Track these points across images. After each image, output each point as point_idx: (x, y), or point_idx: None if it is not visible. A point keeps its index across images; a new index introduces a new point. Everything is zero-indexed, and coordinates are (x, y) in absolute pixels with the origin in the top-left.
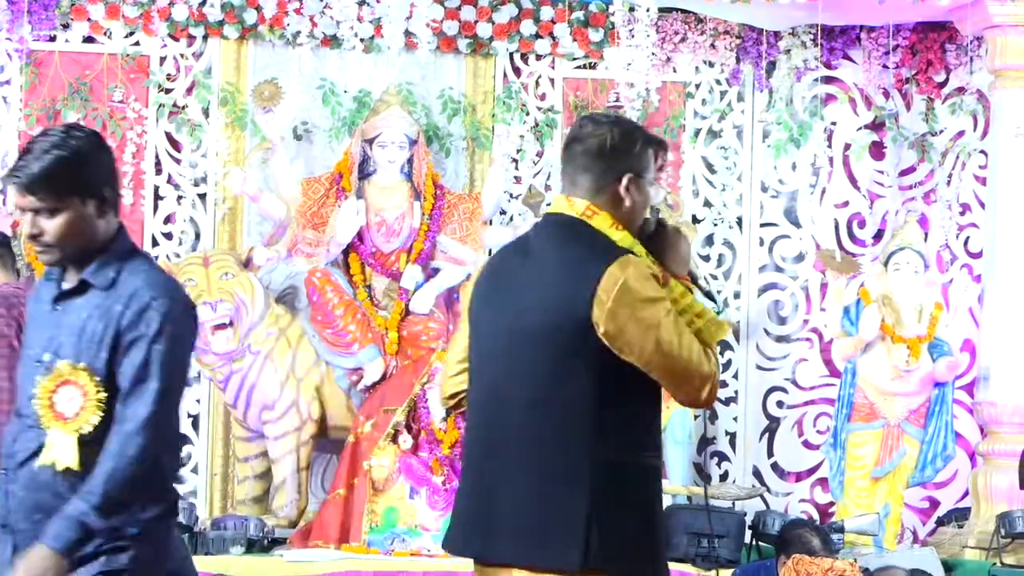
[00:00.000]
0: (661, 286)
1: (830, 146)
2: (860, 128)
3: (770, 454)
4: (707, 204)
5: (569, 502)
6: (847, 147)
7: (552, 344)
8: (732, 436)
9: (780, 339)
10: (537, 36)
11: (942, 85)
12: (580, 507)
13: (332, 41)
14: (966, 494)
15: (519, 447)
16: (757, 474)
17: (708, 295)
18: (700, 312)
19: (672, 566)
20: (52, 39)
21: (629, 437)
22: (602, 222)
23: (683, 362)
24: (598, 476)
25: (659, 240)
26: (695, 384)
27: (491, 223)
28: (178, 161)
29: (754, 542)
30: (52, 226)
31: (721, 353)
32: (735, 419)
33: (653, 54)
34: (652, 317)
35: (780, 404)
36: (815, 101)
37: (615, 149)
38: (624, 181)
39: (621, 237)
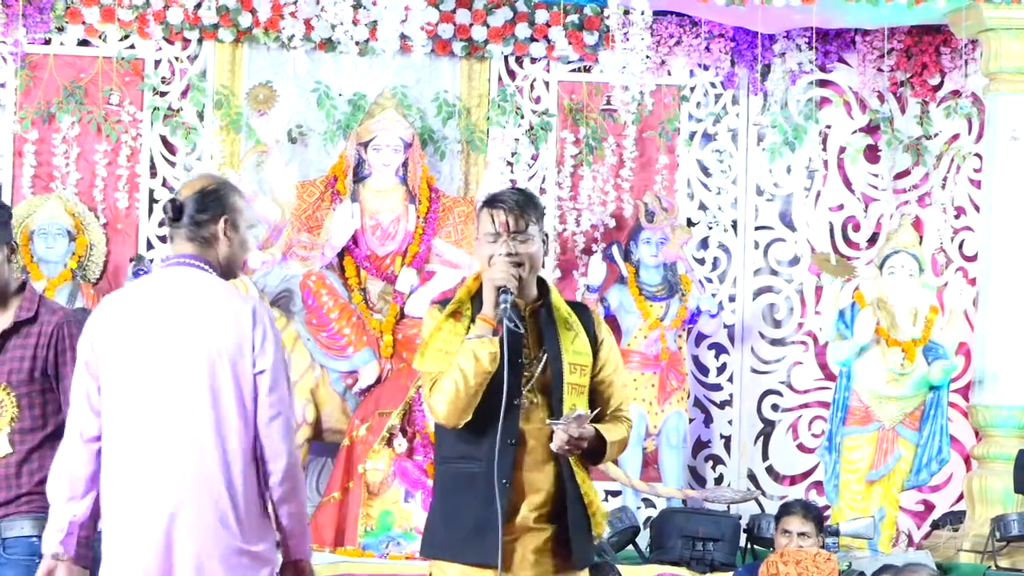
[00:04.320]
0: None
1: (825, 149)
2: (855, 131)
3: (765, 457)
4: (702, 207)
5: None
6: (842, 150)
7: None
8: (727, 439)
9: (775, 342)
10: (532, 39)
11: (937, 88)
12: None
13: (327, 44)
14: (961, 497)
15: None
16: (752, 477)
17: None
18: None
19: (667, 569)
20: (47, 42)
21: None
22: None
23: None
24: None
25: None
26: None
27: None
28: (173, 164)
29: (749, 545)
30: None
31: (716, 356)
32: (730, 422)
33: (648, 57)
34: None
35: (775, 407)
36: (810, 104)
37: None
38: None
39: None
